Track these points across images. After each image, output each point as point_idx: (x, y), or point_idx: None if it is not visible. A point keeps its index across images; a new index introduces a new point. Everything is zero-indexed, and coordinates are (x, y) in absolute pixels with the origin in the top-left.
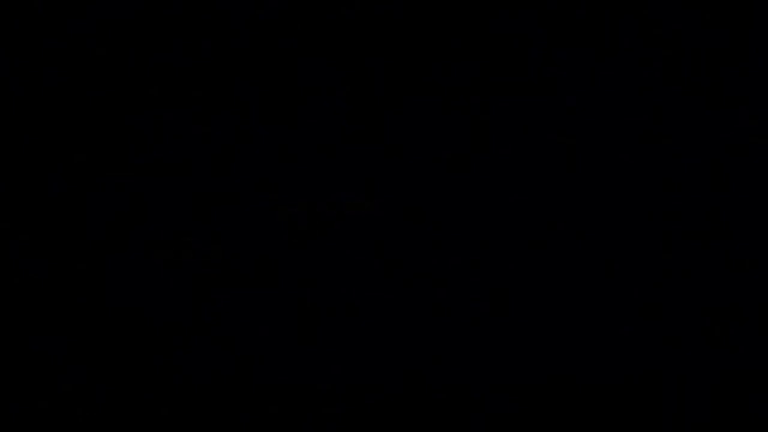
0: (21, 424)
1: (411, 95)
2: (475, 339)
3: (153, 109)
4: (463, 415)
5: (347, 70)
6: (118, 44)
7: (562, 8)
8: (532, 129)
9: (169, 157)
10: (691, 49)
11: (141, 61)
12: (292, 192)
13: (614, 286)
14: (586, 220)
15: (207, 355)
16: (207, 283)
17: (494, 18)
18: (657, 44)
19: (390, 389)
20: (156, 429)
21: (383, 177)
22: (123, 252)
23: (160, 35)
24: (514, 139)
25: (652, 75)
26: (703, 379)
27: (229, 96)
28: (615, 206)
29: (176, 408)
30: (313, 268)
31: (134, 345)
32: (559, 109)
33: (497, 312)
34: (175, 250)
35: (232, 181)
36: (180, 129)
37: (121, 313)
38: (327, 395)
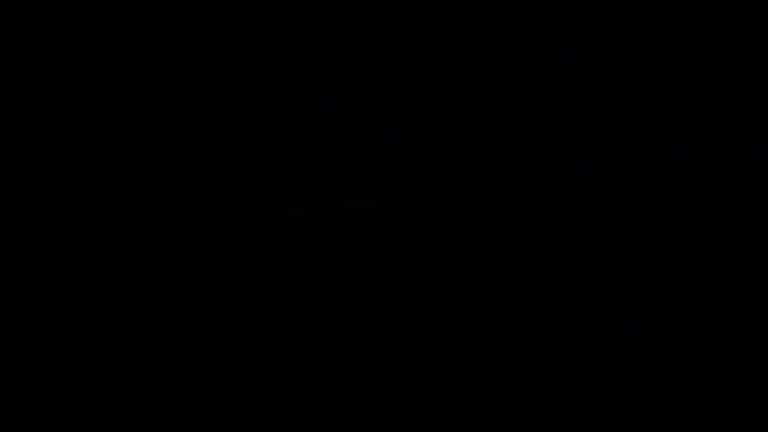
0: (21, 424)
1: (411, 95)
2: (475, 339)
3: (153, 109)
4: (463, 415)
5: (347, 70)
6: (118, 44)
7: (562, 8)
8: (532, 129)
9: (169, 157)
10: (691, 49)
11: (141, 61)
12: (292, 192)
13: (614, 286)
14: (586, 220)
15: (207, 355)
16: (207, 283)
17: (494, 18)
18: (657, 44)
19: (390, 389)
20: (156, 429)
21: (383, 177)
22: (123, 252)
23: (160, 35)
24: (514, 139)
25: (652, 75)
26: (703, 379)
27: (229, 96)
28: (615, 206)
29: (176, 408)
30: (313, 268)
31: (134, 345)
32: (559, 109)
33: (497, 312)
34: (175, 250)
35: (232, 181)
36: (180, 129)
37: (121, 313)
38: (327, 395)
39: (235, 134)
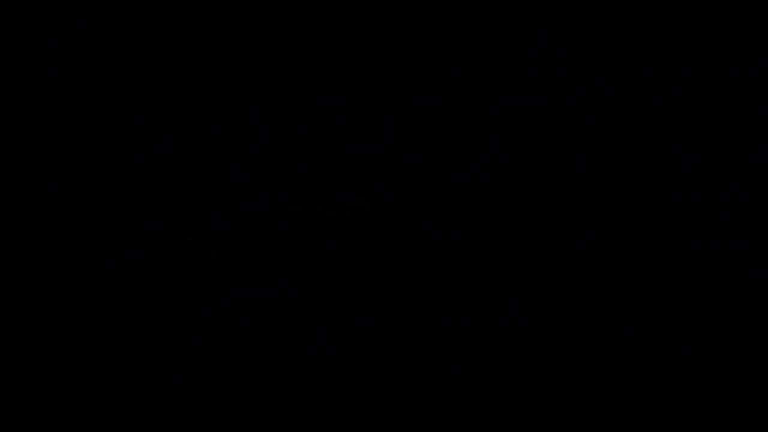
0: (21, 424)
1: (411, 95)
2: (475, 339)
3: (153, 109)
4: (463, 415)
5: (347, 70)
6: (118, 44)
7: (562, 8)
8: (532, 129)
9: (169, 157)
10: (691, 49)
11: (141, 61)
12: (292, 192)
13: (614, 286)
14: (586, 220)
15: (207, 355)
16: (207, 283)
17: (494, 18)
18: (657, 44)
19: (390, 389)
20: (156, 429)
21: (383, 177)
22: (123, 252)
23: (160, 35)
24: (514, 139)
25: (652, 75)
26: (703, 379)
27: (229, 96)
28: (615, 206)
29: (176, 408)
30: (313, 268)
31: (134, 345)
32: (559, 109)
33: (497, 312)
34: (175, 250)
35: (232, 181)
36: (180, 129)
37: (121, 313)
38: (327, 395)
39: (235, 134)
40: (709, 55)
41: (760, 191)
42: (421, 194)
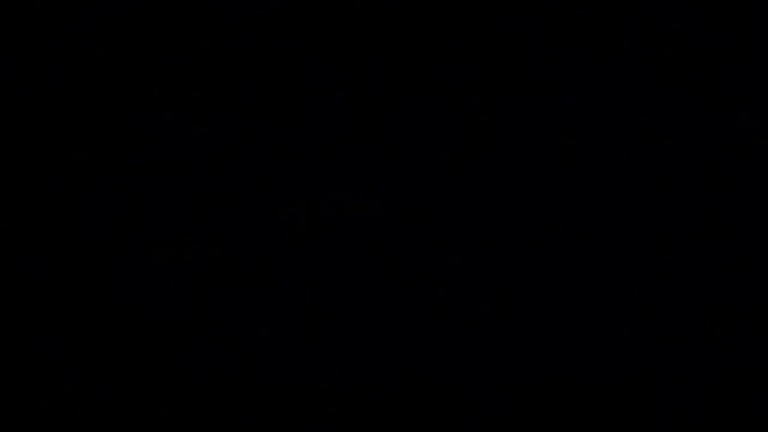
0: (21, 424)
1: (411, 95)
2: (475, 339)
3: (153, 109)
4: (463, 415)
5: (347, 70)
6: (118, 44)
7: (562, 8)
8: (532, 129)
9: (169, 157)
10: (691, 49)
11: (141, 61)
12: (292, 192)
13: (614, 286)
14: (586, 220)
15: (207, 355)
16: (207, 283)
17: (494, 18)
18: (657, 44)
19: (390, 389)
20: (156, 429)
21: (383, 177)
22: (123, 252)
23: (160, 35)
24: (514, 139)
25: (652, 75)
26: (703, 379)
27: (229, 96)
28: (615, 206)
29: (176, 408)
30: (313, 268)
31: (134, 345)
32: (559, 109)
33: (497, 312)
34: (175, 250)
35: (232, 181)
36: (180, 129)
37: (121, 313)
38: (327, 395)
39: (235, 134)
40: (709, 55)
41: (760, 191)
42: (421, 194)
